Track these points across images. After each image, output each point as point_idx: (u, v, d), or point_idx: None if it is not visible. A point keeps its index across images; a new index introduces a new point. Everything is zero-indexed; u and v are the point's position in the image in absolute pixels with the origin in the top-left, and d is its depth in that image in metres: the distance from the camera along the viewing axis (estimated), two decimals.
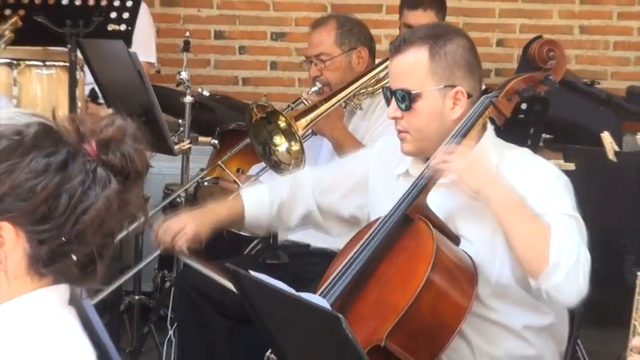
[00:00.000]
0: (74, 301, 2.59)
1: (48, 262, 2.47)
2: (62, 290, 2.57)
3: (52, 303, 2.54)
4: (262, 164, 5.66)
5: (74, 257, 2.48)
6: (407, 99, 3.98)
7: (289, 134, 5.12)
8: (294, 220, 4.44)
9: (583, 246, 3.84)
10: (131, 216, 2.58)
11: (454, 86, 4.03)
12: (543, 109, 5.19)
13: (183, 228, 4.35)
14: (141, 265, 5.89)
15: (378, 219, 3.99)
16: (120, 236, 3.11)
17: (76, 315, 2.55)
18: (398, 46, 4.10)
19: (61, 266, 2.53)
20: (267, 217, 4.34)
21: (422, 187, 3.94)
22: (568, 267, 3.83)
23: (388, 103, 4.05)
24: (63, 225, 2.47)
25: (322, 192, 4.34)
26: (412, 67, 4.03)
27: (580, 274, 3.84)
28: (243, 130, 5.56)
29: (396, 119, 4.04)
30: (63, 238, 2.45)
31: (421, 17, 6.77)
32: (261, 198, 4.41)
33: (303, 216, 4.42)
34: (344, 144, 5.42)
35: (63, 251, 2.48)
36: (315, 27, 5.91)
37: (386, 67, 4.92)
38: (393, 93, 4.01)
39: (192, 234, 4.32)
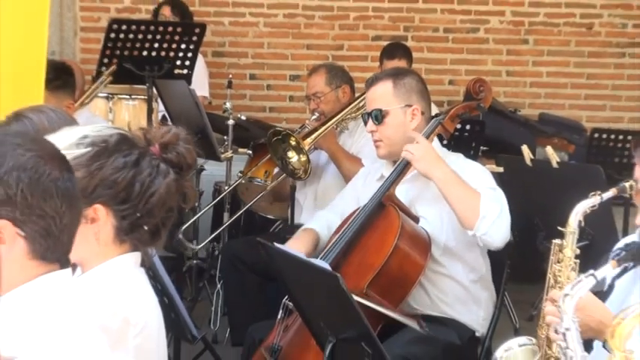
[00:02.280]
0: (146, 264, 2.57)
1: (128, 232, 2.45)
2: (136, 257, 2.49)
3: (129, 265, 2.48)
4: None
5: (146, 227, 2.47)
6: (379, 116, 4.08)
7: (298, 149, 5.21)
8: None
9: (504, 205, 3.90)
10: (185, 196, 2.55)
11: (411, 105, 4.09)
12: (481, 130, 5.29)
13: None
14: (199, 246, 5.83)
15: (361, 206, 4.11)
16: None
17: (145, 273, 2.53)
18: (371, 81, 4.24)
19: (137, 234, 2.47)
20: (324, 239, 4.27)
21: (391, 181, 3.99)
22: (493, 218, 3.84)
23: (366, 123, 4.19)
24: (137, 205, 2.42)
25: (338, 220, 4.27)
26: (381, 93, 4.12)
27: (503, 224, 3.88)
28: (263, 145, 5.63)
29: (372, 132, 4.13)
30: (138, 214, 2.44)
31: (397, 63, 6.62)
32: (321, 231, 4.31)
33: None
34: (337, 154, 5.41)
35: (138, 223, 2.45)
36: (311, 73, 5.97)
37: (363, 99, 4.90)
38: (369, 114, 4.12)
39: None
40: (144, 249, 2.52)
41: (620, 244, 3.01)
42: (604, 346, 2.42)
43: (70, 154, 2.21)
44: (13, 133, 2.18)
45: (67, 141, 2.34)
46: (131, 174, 2.40)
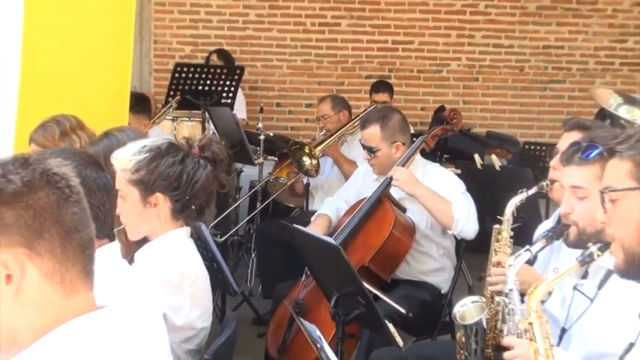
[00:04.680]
0: (195, 235, 2.63)
1: (180, 211, 2.49)
2: (186, 230, 2.53)
3: (182, 237, 2.52)
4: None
5: (193, 207, 2.51)
6: (372, 151, 4.05)
7: (311, 155, 5.32)
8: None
9: (472, 206, 3.89)
10: (221, 184, 2.59)
11: (396, 141, 4.03)
12: (445, 143, 5.23)
13: None
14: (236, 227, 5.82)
15: (364, 198, 4.03)
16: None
17: (193, 243, 2.56)
18: (363, 124, 4.18)
19: (187, 213, 2.50)
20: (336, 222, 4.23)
21: (385, 185, 3.95)
22: (464, 220, 3.85)
23: (364, 148, 4.10)
24: (185, 191, 2.46)
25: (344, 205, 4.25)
26: (372, 135, 4.05)
27: (472, 221, 3.88)
28: (286, 154, 5.68)
29: (369, 160, 4.09)
30: (186, 198, 2.47)
31: (381, 96, 6.56)
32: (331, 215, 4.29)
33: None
34: (339, 159, 5.42)
35: (187, 204, 2.48)
36: (321, 101, 6.00)
37: (357, 121, 5.10)
38: (365, 147, 4.09)
39: None
40: (193, 223, 2.56)
41: (542, 226, 3.12)
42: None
43: (134, 159, 2.34)
44: (59, 151, 2.18)
45: (132, 150, 2.41)
46: (179, 169, 2.43)
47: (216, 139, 2.64)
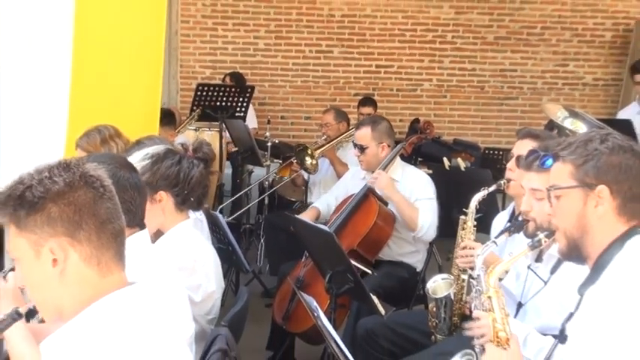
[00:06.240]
0: (209, 220, 2.62)
1: (182, 204, 2.43)
2: (191, 221, 2.49)
3: (189, 227, 2.46)
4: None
5: (192, 199, 2.44)
6: (362, 148, 4.01)
7: (312, 156, 5.30)
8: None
9: (435, 213, 3.86)
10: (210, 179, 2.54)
11: (382, 142, 3.98)
12: (419, 149, 5.22)
13: None
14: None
15: (352, 195, 4.01)
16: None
17: (202, 229, 2.64)
18: (359, 124, 4.22)
19: (187, 204, 2.43)
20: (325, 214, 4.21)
21: (368, 187, 3.94)
22: (426, 228, 3.84)
23: (356, 146, 4.05)
24: (184, 186, 2.40)
25: (334, 200, 4.22)
26: (364, 135, 4.00)
27: (432, 229, 3.87)
28: (291, 156, 5.61)
29: (358, 157, 4.05)
30: (185, 192, 2.41)
31: (367, 110, 6.53)
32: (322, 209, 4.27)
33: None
34: (334, 160, 5.36)
35: (187, 197, 2.43)
36: (325, 112, 5.99)
37: (352, 131, 4.98)
38: (356, 145, 4.04)
39: None
40: (212, 215, 2.54)
41: (499, 216, 3.13)
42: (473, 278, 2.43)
43: (139, 165, 2.28)
44: (98, 156, 2.16)
45: (139, 157, 2.38)
46: (177, 169, 2.39)
47: (206, 142, 2.61)
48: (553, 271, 2.42)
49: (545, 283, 2.44)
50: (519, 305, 2.53)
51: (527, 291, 2.53)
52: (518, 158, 2.75)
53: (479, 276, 2.36)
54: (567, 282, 2.22)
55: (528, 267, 2.53)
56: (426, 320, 2.97)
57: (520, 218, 2.60)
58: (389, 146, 3.99)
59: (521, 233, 2.47)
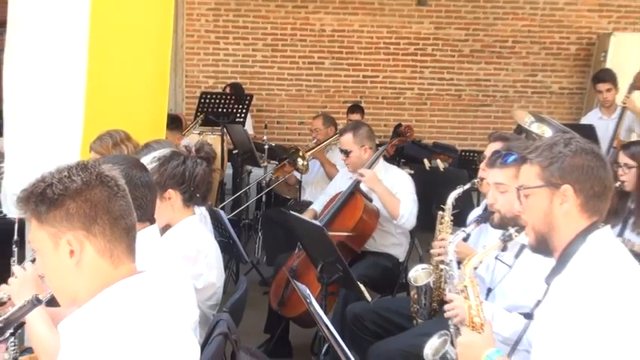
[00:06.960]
0: (212, 216, 2.55)
1: (189, 200, 2.41)
2: (197, 216, 2.46)
3: (195, 221, 2.44)
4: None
5: (198, 195, 2.43)
6: (347, 153, 4.00)
7: (303, 157, 5.29)
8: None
9: (414, 206, 3.85)
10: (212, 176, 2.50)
11: (364, 146, 3.97)
12: (401, 150, 5.24)
13: None
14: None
15: (340, 191, 4.01)
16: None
17: (205, 224, 2.58)
18: (342, 131, 4.16)
19: (194, 200, 2.40)
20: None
21: (355, 182, 3.92)
22: (407, 216, 3.82)
23: (341, 151, 4.06)
24: (190, 184, 2.38)
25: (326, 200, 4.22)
26: (346, 141, 4.00)
27: (412, 218, 3.85)
28: (285, 158, 5.63)
29: (344, 160, 4.05)
30: (191, 189, 2.40)
31: (355, 116, 6.53)
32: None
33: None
34: (324, 162, 5.33)
35: (193, 194, 2.41)
36: (314, 118, 5.87)
37: (339, 135, 4.83)
38: (341, 150, 4.04)
39: None
40: (215, 211, 2.49)
41: (474, 212, 3.14)
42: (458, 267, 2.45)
43: (149, 167, 2.24)
44: (112, 157, 2.15)
45: (148, 160, 2.35)
46: (182, 168, 2.37)
47: (207, 142, 2.59)
48: (517, 255, 2.45)
49: (510, 267, 2.46)
50: (489, 290, 2.56)
51: (495, 277, 2.55)
52: None
53: (451, 261, 2.40)
54: (530, 266, 2.29)
55: (496, 257, 2.55)
56: (408, 306, 2.98)
57: (487, 210, 2.61)
58: (371, 148, 3.98)
59: (497, 230, 2.46)
